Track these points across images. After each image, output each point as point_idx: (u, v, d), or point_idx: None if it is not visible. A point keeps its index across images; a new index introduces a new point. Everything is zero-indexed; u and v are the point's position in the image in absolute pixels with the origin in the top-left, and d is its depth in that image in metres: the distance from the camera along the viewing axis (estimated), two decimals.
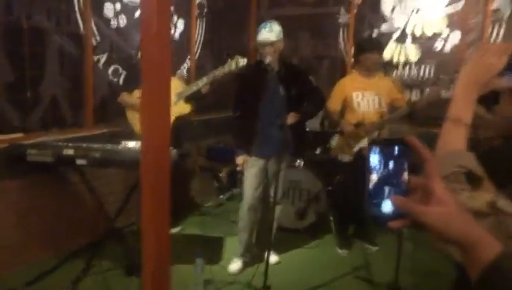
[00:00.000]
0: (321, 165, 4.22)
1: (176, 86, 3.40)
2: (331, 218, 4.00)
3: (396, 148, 0.67)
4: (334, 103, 3.50)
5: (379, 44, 3.60)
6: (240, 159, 3.29)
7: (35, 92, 3.22)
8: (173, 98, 3.33)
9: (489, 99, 0.99)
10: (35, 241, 3.16)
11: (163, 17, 1.14)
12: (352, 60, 3.72)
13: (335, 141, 3.62)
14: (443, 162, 0.87)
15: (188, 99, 3.46)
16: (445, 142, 0.92)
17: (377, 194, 0.66)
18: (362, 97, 3.44)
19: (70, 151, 2.70)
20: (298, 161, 4.09)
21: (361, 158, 3.44)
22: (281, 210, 3.34)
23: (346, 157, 3.51)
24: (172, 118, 3.25)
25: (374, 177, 0.67)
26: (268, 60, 2.97)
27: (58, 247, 3.23)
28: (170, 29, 1.37)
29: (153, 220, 1.14)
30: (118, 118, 3.59)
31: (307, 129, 4.36)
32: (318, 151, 4.48)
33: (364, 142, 3.41)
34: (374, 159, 0.67)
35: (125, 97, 3.45)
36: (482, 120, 1.03)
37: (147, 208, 1.13)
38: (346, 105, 3.48)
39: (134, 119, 3.42)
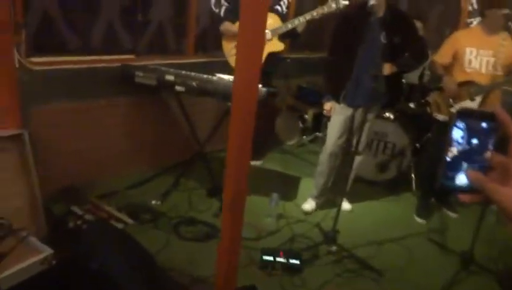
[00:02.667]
0: (412, 120, 4.03)
1: (273, 22, 3.38)
2: (413, 176, 3.89)
3: (484, 123, 0.63)
4: (442, 55, 3.20)
5: None
6: (327, 105, 3.27)
7: (146, 17, 3.45)
8: (268, 34, 3.34)
9: None
10: (135, 153, 3.57)
11: None
12: (478, 11, 3.27)
13: (433, 97, 3.38)
14: None
15: (283, 37, 3.44)
16: None
17: (454, 168, 0.65)
18: (476, 55, 3.08)
19: (171, 77, 2.92)
20: (388, 112, 3.95)
21: None
22: (361, 161, 3.32)
23: (441, 116, 3.30)
24: (265, 54, 3.30)
25: (454, 150, 0.66)
26: (372, 1, 2.79)
27: (154, 162, 3.63)
28: None
29: (236, 149, 1.23)
30: (216, 49, 3.72)
31: (403, 81, 4.14)
32: (412, 105, 4.25)
33: (464, 104, 3.15)
34: (458, 131, 0.65)
35: (227, 26, 3.49)
36: None
37: (233, 137, 1.21)
38: (455, 60, 3.16)
39: (229, 49, 3.51)
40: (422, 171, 3.75)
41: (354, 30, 2.92)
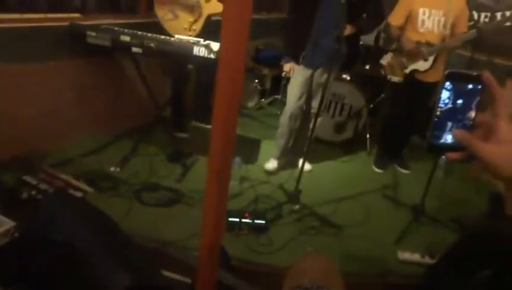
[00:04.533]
0: (368, 81, 4.14)
1: None
2: (368, 136, 4.04)
3: (470, 84, 0.67)
4: (397, 17, 3.27)
5: None
6: (287, 66, 3.26)
7: None
8: None
9: None
10: (89, 119, 3.40)
11: None
12: None
13: (387, 59, 3.47)
14: None
15: None
16: None
17: (440, 127, 0.69)
18: (429, 15, 3.18)
19: (127, 38, 2.76)
20: (345, 74, 4.02)
21: (411, 82, 3.33)
22: (320, 122, 3.38)
23: (395, 78, 3.41)
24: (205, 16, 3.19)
25: (440, 108, 0.68)
26: None
27: (109, 127, 3.48)
28: None
29: (224, 110, 1.17)
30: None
31: (361, 43, 4.20)
32: (368, 67, 4.35)
33: (417, 65, 3.26)
34: (445, 92, 0.67)
35: None
36: None
37: (219, 100, 1.16)
38: (409, 21, 3.24)
39: (163, 14, 3.25)
40: (380, 129, 3.90)
41: None
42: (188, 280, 2.00)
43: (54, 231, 1.76)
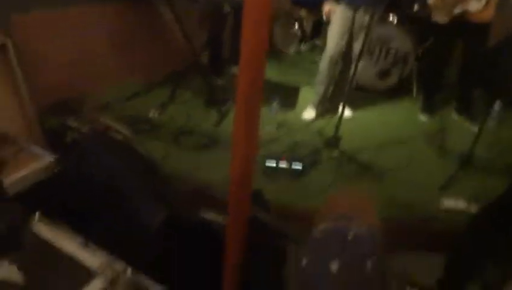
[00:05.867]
0: (416, 23, 3.83)
1: None
2: (415, 83, 3.80)
3: None
4: None
5: None
6: (326, 7, 3.07)
7: None
8: None
9: None
10: (128, 64, 3.41)
11: None
12: None
13: None
14: None
15: None
16: None
17: None
18: None
19: None
20: (391, 15, 3.74)
21: (459, 24, 3.03)
22: (362, 67, 3.20)
23: (441, 19, 3.11)
24: None
25: None
26: None
27: (147, 72, 3.48)
28: None
29: (250, 52, 1.13)
30: None
31: None
32: (416, 8, 4.01)
33: (468, 5, 2.95)
34: None
35: None
36: None
37: (246, 44, 1.11)
38: None
39: None
40: (425, 74, 3.65)
41: None
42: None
43: (93, 168, 1.80)
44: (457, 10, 3.01)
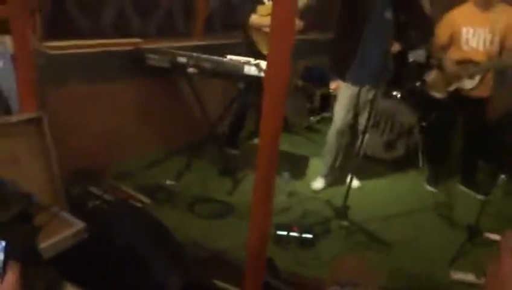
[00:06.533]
0: (419, 98, 4.07)
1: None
2: (420, 154, 3.95)
3: None
4: (439, 36, 3.21)
5: None
6: (333, 84, 3.31)
7: (154, 1, 3.48)
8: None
9: None
10: (148, 135, 3.65)
11: None
12: None
13: (432, 75, 3.41)
14: None
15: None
16: None
17: None
18: (473, 33, 3.10)
19: (184, 60, 2.97)
20: (395, 91, 4.00)
21: (456, 99, 3.25)
22: (368, 139, 3.37)
23: (439, 94, 3.35)
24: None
25: None
26: None
27: (166, 143, 3.71)
28: None
29: (270, 124, 1.29)
30: (224, 31, 3.76)
31: (410, 60, 4.17)
32: (418, 83, 4.28)
33: (462, 83, 3.18)
34: None
35: (255, 20, 3.42)
36: None
37: (266, 115, 1.27)
38: (452, 40, 3.19)
39: (260, 40, 3.48)
40: (430, 147, 3.81)
41: (360, 7, 2.94)
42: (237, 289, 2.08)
43: (116, 234, 1.92)
44: (452, 87, 3.24)
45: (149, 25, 3.54)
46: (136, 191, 3.00)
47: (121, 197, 2.89)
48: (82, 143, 3.16)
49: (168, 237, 2.16)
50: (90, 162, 3.22)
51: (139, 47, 3.24)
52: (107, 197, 2.83)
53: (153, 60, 3.07)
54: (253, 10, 3.42)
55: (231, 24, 3.98)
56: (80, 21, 3.19)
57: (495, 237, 2.33)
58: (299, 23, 3.45)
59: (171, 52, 3.11)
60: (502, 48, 3.08)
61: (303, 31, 3.68)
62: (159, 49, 3.21)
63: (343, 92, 3.19)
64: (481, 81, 3.14)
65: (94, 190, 2.94)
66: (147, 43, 3.37)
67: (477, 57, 3.10)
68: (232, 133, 3.90)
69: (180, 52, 3.09)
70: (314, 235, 2.63)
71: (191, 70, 2.96)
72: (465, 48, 3.14)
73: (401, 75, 4.02)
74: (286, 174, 3.22)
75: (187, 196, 3.03)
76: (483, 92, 3.21)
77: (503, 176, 3.38)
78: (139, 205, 2.83)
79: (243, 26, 3.48)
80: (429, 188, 3.59)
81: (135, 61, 3.21)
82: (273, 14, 1.25)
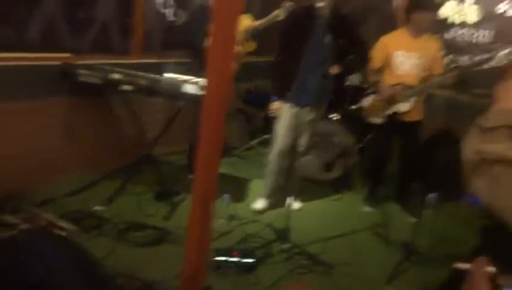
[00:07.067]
0: (356, 121, 4.20)
1: (249, 22, 3.54)
2: (358, 175, 4.05)
3: None
4: (374, 61, 3.38)
5: (432, 3, 3.40)
6: (274, 105, 3.31)
7: (89, 14, 3.29)
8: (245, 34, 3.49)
9: None
10: (77, 157, 3.38)
11: None
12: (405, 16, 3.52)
13: (368, 101, 3.54)
14: (495, 115, 0.90)
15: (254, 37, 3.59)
16: (502, 99, 0.92)
17: None
18: (405, 58, 3.29)
19: (118, 76, 2.81)
20: (334, 113, 4.09)
21: (394, 123, 3.39)
22: (308, 160, 3.40)
23: (377, 120, 3.47)
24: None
25: None
26: (319, 4, 2.88)
27: (97, 166, 3.45)
28: None
29: (208, 146, 1.21)
30: (163, 50, 3.65)
31: (347, 83, 4.32)
32: (355, 106, 4.43)
33: (398, 107, 3.33)
34: None
35: None
36: None
37: (204, 135, 1.19)
38: (386, 64, 3.35)
39: None
40: (367, 168, 3.91)
41: (300, 31, 3.00)
42: None
43: (28, 270, 1.69)
44: (388, 112, 3.37)
45: (82, 40, 3.33)
46: (60, 218, 2.72)
47: (41, 225, 2.60)
48: (1, 167, 2.84)
49: (93, 268, 1.94)
50: (6, 187, 2.89)
51: (69, 62, 3.02)
52: (23, 226, 2.54)
53: (84, 76, 2.88)
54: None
55: (174, 43, 3.88)
56: (2, 32, 2.92)
57: (464, 266, 2.38)
58: (251, 45, 3.47)
59: (104, 68, 2.94)
60: (430, 73, 3.27)
61: (256, 52, 3.71)
62: (91, 65, 3.02)
63: (284, 113, 3.20)
64: (414, 104, 3.30)
65: (10, 218, 2.62)
66: (78, 58, 3.17)
67: (410, 81, 3.26)
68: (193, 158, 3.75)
69: (114, 68, 2.93)
70: (255, 260, 2.53)
71: (125, 87, 2.81)
72: (398, 71, 3.30)
73: (339, 98, 4.14)
74: (226, 197, 3.11)
75: (119, 223, 2.81)
76: (416, 116, 3.37)
77: (433, 195, 3.54)
78: (62, 233, 2.57)
79: (194, 47, 3.37)
80: (367, 208, 3.65)
81: (64, 78, 2.98)
82: (214, 37, 1.20)
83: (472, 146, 0.87)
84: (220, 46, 1.23)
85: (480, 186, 0.83)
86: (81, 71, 2.89)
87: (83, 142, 3.39)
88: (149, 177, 3.37)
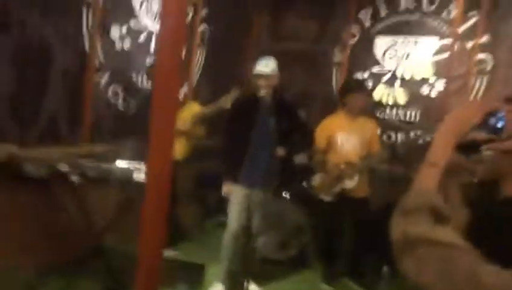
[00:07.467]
0: (306, 198, 4.32)
1: (196, 108, 3.85)
2: (312, 252, 4.07)
3: None
4: (318, 141, 3.62)
5: (363, 86, 3.79)
6: (225, 188, 3.37)
7: (35, 106, 3.30)
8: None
9: (469, 148, 1.06)
10: (24, 254, 3.15)
11: (177, 44, 1.26)
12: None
13: (317, 179, 3.72)
14: (414, 197, 0.97)
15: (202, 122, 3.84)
16: (420, 181, 1.01)
17: None
18: (346, 139, 3.56)
19: (65, 168, 2.77)
20: (284, 192, 4.20)
21: (343, 199, 3.55)
22: (264, 240, 3.41)
23: (327, 197, 3.62)
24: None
25: None
26: (262, 92, 3.12)
27: (42, 261, 3.23)
28: (181, 58, 1.52)
29: (149, 242, 1.22)
30: (112, 138, 3.67)
31: (295, 162, 4.50)
32: (304, 184, 4.58)
33: (345, 184, 3.52)
34: None
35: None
36: (462, 167, 1.09)
37: (145, 230, 1.20)
38: (329, 144, 3.60)
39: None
40: (320, 245, 3.96)
41: (246, 116, 3.20)
42: None
43: None
44: (336, 189, 3.54)
45: (28, 131, 3.29)
46: None
47: None
48: None
49: None
50: None
51: (14, 155, 2.94)
52: None
53: (30, 169, 2.80)
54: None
55: (124, 131, 3.92)
56: None
57: None
58: (200, 129, 3.63)
59: (50, 159, 2.89)
60: (369, 151, 3.54)
61: (206, 136, 3.97)
62: (36, 157, 2.96)
63: (235, 195, 3.25)
64: (359, 181, 3.50)
65: None
66: (24, 150, 3.09)
67: (353, 159, 3.49)
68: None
69: (62, 159, 2.89)
70: None
71: (74, 179, 2.76)
72: (341, 151, 3.54)
73: (288, 176, 4.28)
74: (182, 286, 3.00)
75: None
76: (363, 191, 3.57)
77: (386, 268, 3.62)
78: None
79: (144, 133, 3.44)
80: (324, 286, 3.63)
81: (8, 172, 2.88)
82: (153, 119, 1.27)
83: (397, 227, 0.93)
84: (160, 128, 1.29)
85: (408, 266, 0.88)
86: (26, 164, 2.82)
87: (25, 237, 3.18)
88: (98, 272, 3.18)
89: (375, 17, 4.96)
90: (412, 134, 4.66)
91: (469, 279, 0.79)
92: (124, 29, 3.92)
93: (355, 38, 5.07)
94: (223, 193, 3.58)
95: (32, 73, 3.22)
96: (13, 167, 2.86)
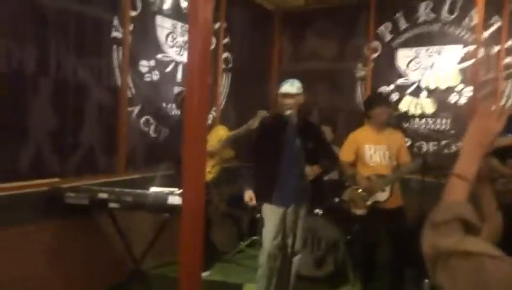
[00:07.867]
0: (339, 213, 4.30)
1: (223, 132, 4.03)
2: (349, 268, 4.02)
3: None
4: (346, 154, 3.62)
5: (387, 99, 3.80)
6: (247, 194, 3.40)
7: (74, 139, 3.50)
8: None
9: (503, 153, 1.07)
10: (65, 281, 3.29)
11: (204, 72, 1.36)
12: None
13: (348, 194, 3.71)
14: (443, 210, 0.97)
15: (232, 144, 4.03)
16: (449, 194, 1.01)
17: None
18: (374, 150, 3.56)
19: (104, 195, 2.92)
20: (317, 209, 4.19)
21: (376, 212, 3.51)
22: (300, 259, 3.40)
23: (359, 211, 3.59)
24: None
25: None
26: (288, 111, 3.18)
27: (86, 287, 3.36)
28: (209, 88, 1.60)
29: (188, 265, 1.26)
30: (146, 166, 3.82)
31: (325, 178, 4.50)
32: (337, 200, 4.57)
33: (377, 196, 3.49)
34: None
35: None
36: (497, 173, 1.10)
37: (183, 252, 1.26)
38: (358, 157, 3.60)
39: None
40: (357, 260, 3.91)
41: (274, 136, 3.25)
42: None
43: None
44: (369, 202, 3.51)
45: (68, 163, 3.49)
46: None
47: None
48: None
49: None
50: None
51: (56, 186, 3.13)
52: None
53: (72, 198, 2.97)
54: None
55: (156, 158, 4.08)
56: None
57: None
58: (229, 152, 3.74)
59: (91, 188, 3.05)
60: (398, 162, 3.52)
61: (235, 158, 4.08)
62: (77, 186, 3.13)
63: (269, 215, 3.28)
64: (391, 190, 3.46)
65: None
66: (65, 182, 3.28)
67: (382, 171, 3.48)
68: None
69: (101, 187, 3.04)
70: None
71: (112, 205, 2.90)
72: (370, 163, 3.53)
73: (320, 193, 4.28)
74: None
75: None
76: (396, 203, 3.52)
77: (427, 281, 3.52)
78: None
79: (175, 159, 3.54)
80: None
81: (51, 202, 3.06)
82: (185, 146, 1.34)
83: (427, 241, 0.93)
84: (193, 153, 1.35)
85: (442, 279, 0.88)
86: (68, 194, 2.99)
87: (71, 264, 3.33)
88: None
89: (395, 31, 4.99)
90: (443, 143, 4.58)
91: (505, 287, 0.78)
92: (152, 62, 4.13)
93: (377, 53, 5.10)
94: (246, 201, 3.57)
95: (69, 109, 3.44)
96: (56, 198, 3.03)
